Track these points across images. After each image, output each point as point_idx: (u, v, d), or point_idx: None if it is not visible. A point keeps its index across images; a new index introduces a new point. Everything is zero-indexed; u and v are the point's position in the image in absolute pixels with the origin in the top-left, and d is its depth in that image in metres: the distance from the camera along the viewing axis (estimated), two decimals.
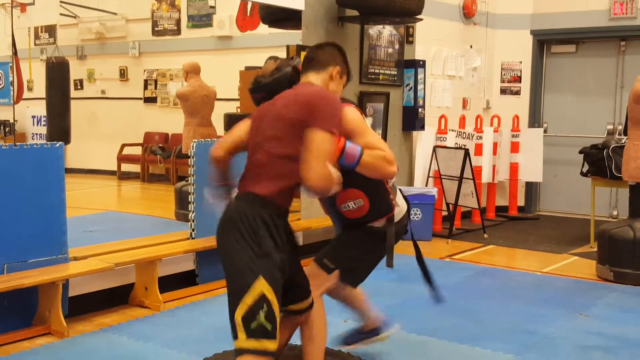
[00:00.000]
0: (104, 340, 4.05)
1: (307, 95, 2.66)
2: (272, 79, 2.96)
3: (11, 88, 7.65)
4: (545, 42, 8.96)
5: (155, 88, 10.17)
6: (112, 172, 10.24)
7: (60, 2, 8.29)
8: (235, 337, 2.54)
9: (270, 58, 3.18)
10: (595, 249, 5.97)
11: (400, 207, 3.25)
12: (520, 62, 8.92)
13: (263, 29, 7.03)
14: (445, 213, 7.58)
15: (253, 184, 2.65)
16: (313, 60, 2.87)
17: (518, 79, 8.95)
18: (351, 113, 2.85)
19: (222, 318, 4.27)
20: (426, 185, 7.55)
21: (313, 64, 2.87)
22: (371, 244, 3.21)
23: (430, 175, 7.62)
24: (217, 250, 2.67)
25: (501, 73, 8.98)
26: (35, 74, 8.26)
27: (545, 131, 8.83)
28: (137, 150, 10.09)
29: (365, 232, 3.17)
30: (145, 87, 10.20)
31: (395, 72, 7.23)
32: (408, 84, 7.34)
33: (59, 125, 6.87)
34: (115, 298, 4.70)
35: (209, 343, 3.82)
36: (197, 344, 3.90)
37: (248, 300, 2.51)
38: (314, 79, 2.83)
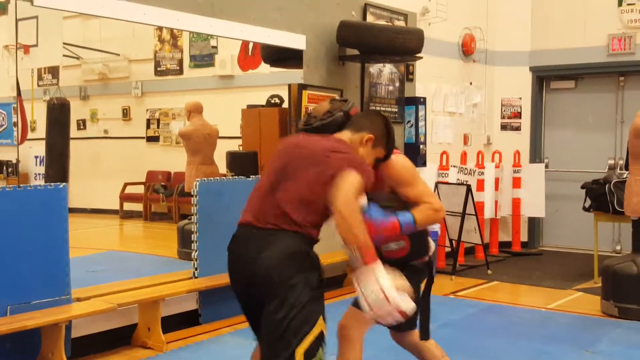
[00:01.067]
0: None
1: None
2: (322, 123, 2.93)
3: (14, 129, 7.72)
4: (545, 78, 9.05)
5: (158, 127, 10.23)
6: (114, 212, 10.24)
7: (64, 43, 8.39)
8: None
9: (332, 100, 3.16)
10: (599, 285, 5.95)
11: (431, 247, 3.31)
12: (520, 98, 8.99)
13: (264, 67, 7.10)
14: (448, 249, 7.58)
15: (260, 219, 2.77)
16: (354, 122, 2.93)
17: (518, 115, 9.01)
18: (401, 161, 2.99)
19: (225, 359, 4.26)
20: None
21: (352, 124, 2.92)
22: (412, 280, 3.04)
23: None
24: None
25: (501, 109, 9.05)
26: (38, 115, 8.34)
27: (546, 166, 8.86)
28: (140, 189, 10.11)
29: (404, 269, 2.98)
30: (148, 127, 10.26)
31: (396, 109, 7.29)
32: (409, 121, 7.40)
33: (58, 165, 6.90)
34: (118, 339, 4.67)
35: None
36: None
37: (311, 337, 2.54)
38: (346, 137, 2.86)
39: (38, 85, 9.26)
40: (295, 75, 6.19)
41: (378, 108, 7.04)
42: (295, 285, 2.53)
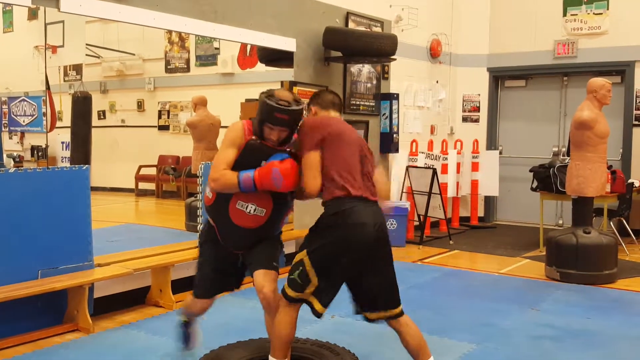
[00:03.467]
0: (124, 335, 4.02)
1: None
2: (299, 109, 2.92)
3: (44, 118, 7.63)
4: (500, 77, 9.05)
5: (168, 117, 10.15)
6: (130, 190, 10.17)
7: (86, 44, 8.29)
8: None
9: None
10: (544, 253, 6.00)
11: None
12: (479, 95, 9.00)
13: (260, 67, 7.04)
14: (417, 223, 7.61)
15: (372, 193, 2.94)
16: (338, 104, 3.13)
17: (477, 109, 9.03)
18: (229, 127, 3.03)
19: (224, 315, 4.27)
20: (400, 200, 7.58)
21: (337, 106, 3.13)
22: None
23: (404, 190, 7.66)
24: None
25: (463, 104, 9.06)
26: (64, 106, 8.24)
27: (500, 153, 8.89)
28: (152, 171, 10.04)
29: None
30: (159, 117, 10.17)
31: (374, 104, 7.28)
32: (384, 114, 7.39)
33: (81, 150, 6.84)
34: (134, 299, 4.68)
35: (214, 337, 3.79)
36: (204, 338, 3.88)
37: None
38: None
39: (64, 81, 9.13)
40: (287, 74, 6.15)
41: (358, 102, 7.02)
42: None
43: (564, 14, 8.29)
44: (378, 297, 2.93)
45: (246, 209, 2.90)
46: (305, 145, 2.89)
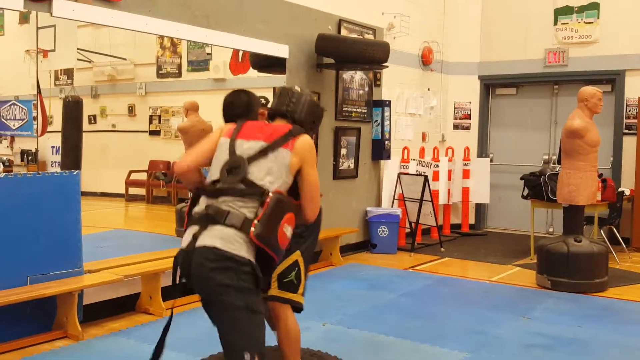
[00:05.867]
0: (114, 343, 3.99)
1: None
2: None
3: (34, 122, 7.58)
4: (491, 85, 9.10)
5: (159, 123, 10.10)
6: (120, 195, 10.11)
7: (77, 49, 8.24)
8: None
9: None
10: (535, 261, 6.00)
11: (182, 239, 2.39)
12: (470, 102, 9.04)
13: (253, 72, 7.03)
14: (408, 230, 7.62)
15: None
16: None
17: (468, 117, 9.07)
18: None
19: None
20: (392, 207, 7.59)
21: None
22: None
23: (395, 197, 7.67)
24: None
25: (454, 111, 9.09)
26: (55, 111, 8.19)
27: (491, 160, 8.93)
28: (143, 176, 9.99)
29: None
30: (150, 122, 10.13)
31: (365, 110, 7.29)
32: (376, 120, 7.41)
33: (72, 155, 6.80)
34: (124, 306, 4.65)
35: (205, 345, 3.77)
36: (195, 345, 3.87)
37: None
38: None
39: (55, 85, 9.09)
40: (279, 80, 6.17)
41: (350, 109, 7.03)
42: None
43: (555, 23, 8.36)
44: None
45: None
46: (314, 162, 2.54)
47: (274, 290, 2.97)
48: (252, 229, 2.20)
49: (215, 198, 2.32)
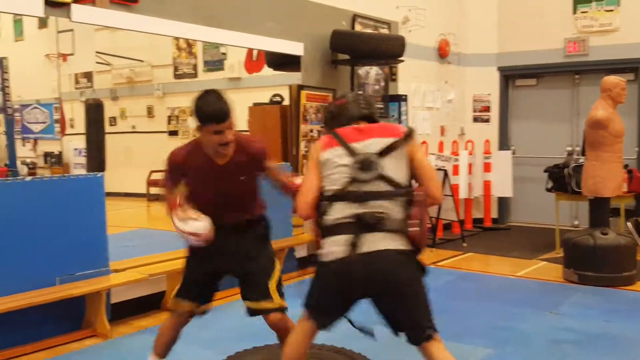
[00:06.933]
0: (141, 340, 4.05)
1: None
2: None
3: (56, 125, 7.72)
4: (510, 76, 9.04)
5: (177, 122, 10.23)
6: (142, 195, 10.26)
7: (96, 52, 8.37)
8: None
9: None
10: (561, 255, 5.96)
11: (326, 250, 2.47)
12: (489, 94, 8.99)
13: (267, 70, 7.08)
14: (429, 225, 7.59)
15: None
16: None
17: (488, 109, 9.01)
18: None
19: (239, 320, 4.30)
20: None
21: None
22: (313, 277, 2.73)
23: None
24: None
25: (473, 104, 9.04)
26: (76, 113, 8.33)
27: (513, 153, 8.86)
28: (163, 176, 10.13)
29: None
30: (169, 122, 10.27)
31: (382, 106, 7.29)
32: (393, 115, 7.40)
33: (96, 157, 6.92)
34: (149, 304, 4.72)
35: (231, 341, 3.84)
36: (220, 342, 3.93)
37: None
38: None
39: (75, 88, 9.24)
40: (294, 77, 6.19)
41: None
42: None
43: (574, 12, 8.27)
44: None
45: None
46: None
47: (281, 302, 2.93)
48: (410, 229, 2.43)
49: (363, 202, 2.42)
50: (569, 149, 8.48)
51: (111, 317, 4.26)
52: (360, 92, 2.93)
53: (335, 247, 2.41)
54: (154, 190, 10.29)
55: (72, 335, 4.07)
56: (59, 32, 5.27)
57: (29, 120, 7.89)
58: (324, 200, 2.48)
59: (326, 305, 2.55)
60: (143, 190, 10.21)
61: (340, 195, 2.44)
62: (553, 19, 8.39)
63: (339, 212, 2.43)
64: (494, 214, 8.91)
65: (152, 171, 10.17)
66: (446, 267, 6.32)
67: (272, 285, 2.91)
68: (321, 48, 6.28)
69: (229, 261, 2.95)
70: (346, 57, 6.36)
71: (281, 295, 2.94)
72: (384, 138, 2.50)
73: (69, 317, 4.14)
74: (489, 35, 8.86)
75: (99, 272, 4.25)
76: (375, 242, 2.39)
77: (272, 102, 7.15)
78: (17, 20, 8.07)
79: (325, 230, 2.45)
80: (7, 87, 5.94)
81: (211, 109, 2.76)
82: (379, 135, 2.52)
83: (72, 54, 7.02)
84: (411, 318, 2.54)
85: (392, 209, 2.41)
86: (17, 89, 6.77)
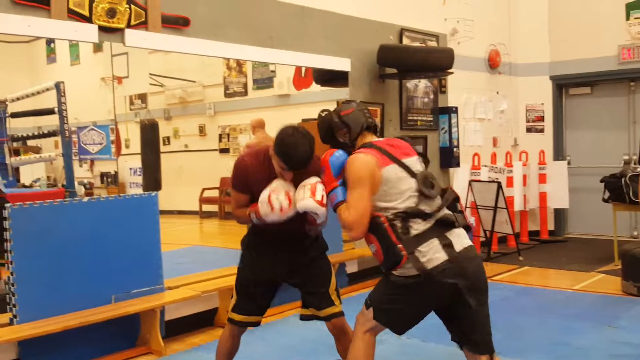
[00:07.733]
0: (195, 357, 4.11)
1: None
2: None
3: (112, 146, 7.99)
4: (563, 85, 8.84)
5: (228, 140, 10.43)
6: (195, 212, 10.48)
7: (150, 74, 8.63)
8: None
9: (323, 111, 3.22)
10: (620, 267, 5.79)
11: (428, 258, 2.52)
12: (542, 104, 8.81)
13: (315, 87, 7.14)
14: (483, 239, 7.47)
15: None
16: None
17: (541, 119, 8.83)
18: (352, 162, 2.66)
19: (292, 338, 4.32)
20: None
21: None
22: (394, 293, 2.62)
23: (468, 206, 7.55)
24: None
25: (526, 114, 8.88)
26: (131, 134, 8.60)
27: (568, 163, 8.65)
28: (215, 193, 10.31)
29: (387, 280, 2.64)
30: (220, 140, 10.47)
31: (432, 118, 7.23)
32: (443, 128, 7.33)
33: (152, 176, 7.10)
34: (202, 321, 4.78)
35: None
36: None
37: None
38: None
39: (130, 110, 9.54)
40: (342, 93, 6.21)
41: (415, 118, 7.00)
42: None
43: (627, 18, 8.03)
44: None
45: None
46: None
47: (341, 306, 3.02)
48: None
49: (437, 212, 2.64)
50: (626, 157, 8.19)
51: (165, 334, 4.33)
52: (354, 101, 3.05)
53: (430, 255, 2.53)
54: (206, 207, 10.51)
55: (127, 353, 4.15)
56: (114, 55, 5.47)
57: (86, 141, 8.19)
58: (396, 219, 2.54)
59: (414, 318, 2.68)
60: (196, 208, 10.43)
61: (414, 213, 2.57)
62: (605, 26, 8.18)
63: (418, 225, 2.57)
64: (551, 226, 8.69)
65: (204, 189, 10.38)
66: (502, 281, 6.19)
67: (332, 289, 3.02)
68: (369, 63, 6.29)
69: (290, 267, 3.01)
70: (394, 71, 6.35)
71: (340, 299, 3.05)
72: (415, 156, 2.74)
73: (125, 335, 4.23)
74: (540, 44, 8.70)
75: (153, 290, 4.34)
76: (459, 238, 2.65)
77: (320, 118, 7.17)
78: (73, 45, 8.42)
79: (410, 244, 2.52)
80: (65, 110, 6.19)
81: (297, 160, 2.75)
82: (411, 153, 2.74)
83: (126, 77, 7.26)
84: (488, 323, 2.70)
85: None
86: (74, 112, 7.05)
